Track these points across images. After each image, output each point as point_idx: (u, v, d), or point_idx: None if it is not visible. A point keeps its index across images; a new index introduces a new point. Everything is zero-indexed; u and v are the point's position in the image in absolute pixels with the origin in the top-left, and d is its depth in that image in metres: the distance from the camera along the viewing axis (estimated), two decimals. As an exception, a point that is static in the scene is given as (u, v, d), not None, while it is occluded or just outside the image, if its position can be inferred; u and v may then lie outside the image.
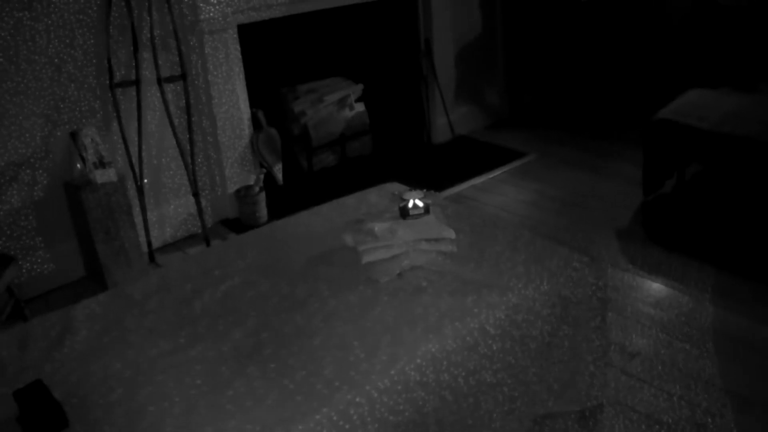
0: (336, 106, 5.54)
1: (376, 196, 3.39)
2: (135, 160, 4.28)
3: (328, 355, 2.23)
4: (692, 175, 4.70)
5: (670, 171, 4.48)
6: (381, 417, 2.10)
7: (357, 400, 2.06)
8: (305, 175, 5.53)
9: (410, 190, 2.98)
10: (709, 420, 2.79)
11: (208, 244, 4.51)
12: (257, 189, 4.81)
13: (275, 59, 5.43)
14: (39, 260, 4.07)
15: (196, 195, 4.46)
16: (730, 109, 4.21)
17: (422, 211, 2.83)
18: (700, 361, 3.14)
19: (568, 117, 6.35)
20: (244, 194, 4.79)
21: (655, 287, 3.73)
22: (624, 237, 4.26)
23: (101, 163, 3.94)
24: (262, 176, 4.86)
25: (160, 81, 4.20)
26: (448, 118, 6.11)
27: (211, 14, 4.38)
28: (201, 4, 4.34)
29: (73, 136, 3.92)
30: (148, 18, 4.12)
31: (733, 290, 3.64)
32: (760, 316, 3.41)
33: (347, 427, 2.02)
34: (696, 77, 5.00)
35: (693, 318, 3.44)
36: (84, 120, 4.08)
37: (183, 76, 4.29)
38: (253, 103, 4.91)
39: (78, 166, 3.93)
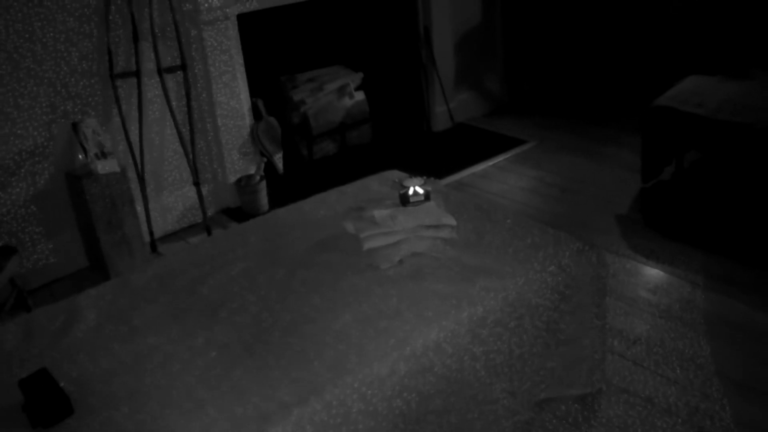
0: (336, 94, 5.55)
1: (376, 183, 3.41)
2: (136, 150, 4.29)
3: (329, 341, 2.25)
4: (691, 163, 4.71)
5: (668, 158, 4.49)
6: (382, 402, 2.12)
7: (358, 386, 2.08)
8: (306, 163, 5.54)
9: (410, 177, 3.00)
10: (707, 404, 2.82)
11: (209, 233, 4.52)
12: (258, 178, 4.82)
13: (275, 48, 5.43)
14: (41, 251, 4.09)
15: (197, 184, 4.48)
16: (728, 96, 4.22)
17: (422, 197, 2.85)
18: (697, 346, 3.16)
19: (567, 104, 6.35)
20: (245, 183, 4.80)
21: (654, 273, 3.75)
22: (623, 223, 4.28)
23: (102, 154, 3.95)
24: (262, 165, 4.87)
25: (160, 71, 4.21)
26: (448, 106, 6.11)
27: (211, 4, 4.38)
28: (200, -6, 4.35)
29: (75, 126, 3.94)
30: (148, 8, 4.12)
31: (732, 276, 3.66)
32: (757, 303, 3.43)
33: (348, 412, 2.05)
34: (694, 64, 5.01)
35: (691, 304, 3.46)
36: (85, 111, 4.09)
37: (183, 67, 4.30)
38: (253, 92, 4.92)
39: (79, 156, 3.94)
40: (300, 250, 2.84)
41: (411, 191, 2.84)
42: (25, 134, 3.89)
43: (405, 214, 2.75)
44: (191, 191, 4.64)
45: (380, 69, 6.00)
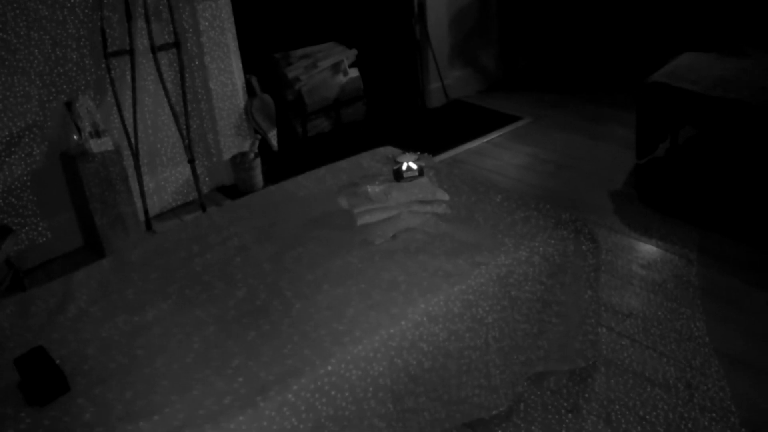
0: (330, 71, 5.54)
1: (370, 159, 3.41)
2: (130, 128, 4.28)
3: (323, 316, 2.26)
4: (685, 139, 4.73)
5: (663, 134, 4.50)
6: (375, 377, 2.14)
7: (351, 360, 2.10)
8: (300, 140, 5.54)
9: (404, 153, 3.01)
10: (700, 379, 2.84)
11: (204, 210, 4.53)
12: (252, 155, 4.82)
13: (268, 25, 5.42)
14: (37, 231, 4.09)
15: (191, 162, 4.47)
16: (722, 72, 4.23)
17: (416, 173, 2.86)
18: (690, 321, 3.17)
19: (562, 80, 6.35)
20: (239, 161, 4.80)
21: (647, 249, 3.76)
22: (617, 199, 4.29)
23: (97, 133, 3.94)
24: (257, 142, 4.87)
25: (153, 49, 4.19)
26: (442, 83, 6.11)
27: (203, -19, 4.37)
28: (193, -29, 4.33)
29: (69, 106, 3.93)
30: (141, -15, 4.12)
31: (725, 252, 3.68)
32: (749, 278, 3.45)
33: (343, 386, 2.06)
34: (689, 41, 5.01)
35: (684, 279, 3.48)
36: (79, 90, 4.08)
37: (176, 44, 4.28)
38: (247, 69, 4.90)
39: (74, 136, 3.93)
40: (294, 226, 2.85)
41: (404, 167, 2.85)
42: (20, 111, 3.88)
43: (398, 190, 2.76)
44: (186, 169, 4.64)
45: (374, 46, 5.99)
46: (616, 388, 2.82)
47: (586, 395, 2.79)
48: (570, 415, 2.70)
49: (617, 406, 2.73)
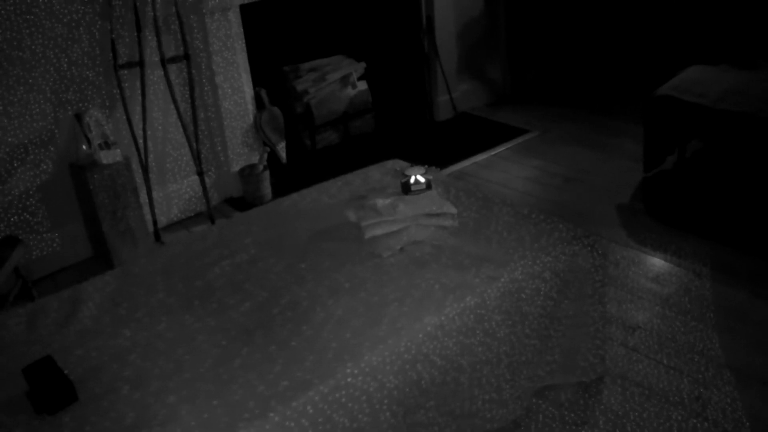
0: (338, 84, 5.55)
1: (378, 172, 3.42)
2: (140, 140, 4.30)
3: (330, 329, 2.26)
4: (693, 152, 4.72)
5: (671, 147, 4.50)
6: (382, 390, 2.13)
7: (359, 372, 2.10)
8: (308, 153, 5.55)
9: (412, 166, 3.01)
10: (708, 393, 2.83)
11: (212, 222, 4.54)
12: (261, 167, 4.83)
13: (277, 38, 5.44)
14: (46, 241, 4.11)
15: (200, 174, 4.49)
16: (730, 85, 4.22)
17: (424, 186, 2.86)
18: (698, 335, 3.17)
19: (569, 94, 6.36)
20: (248, 173, 4.82)
21: (655, 262, 3.76)
22: (624, 213, 4.29)
23: (106, 144, 3.96)
24: (265, 155, 4.88)
25: (163, 62, 4.21)
26: (450, 96, 6.12)
27: (213, -6, 4.39)
28: (203, -16, 4.35)
29: (78, 117, 3.95)
30: (151, -2, 4.14)
31: (732, 266, 3.67)
32: (758, 291, 3.44)
33: (350, 398, 2.06)
34: (696, 53, 5.01)
35: (692, 293, 3.47)
36: (88, 101, 4.10)
37: (186, 57, 4.30)
38: (256, 82, 4.92)
39: (83, 147, 3.95)
40: (302, 238, 2.85)
41: (412, 180, 2.85)
42: (30, 122, 3.90)
43: (406, 203, 2.76)
44: (195, 181, 4.66)
45: (383, 59, 6.00)
46: (630, 401, 2.82)
47: (596, 410, 2.78)
48: (583, 428, 2.70)
49: (630, 420, 2.72)
